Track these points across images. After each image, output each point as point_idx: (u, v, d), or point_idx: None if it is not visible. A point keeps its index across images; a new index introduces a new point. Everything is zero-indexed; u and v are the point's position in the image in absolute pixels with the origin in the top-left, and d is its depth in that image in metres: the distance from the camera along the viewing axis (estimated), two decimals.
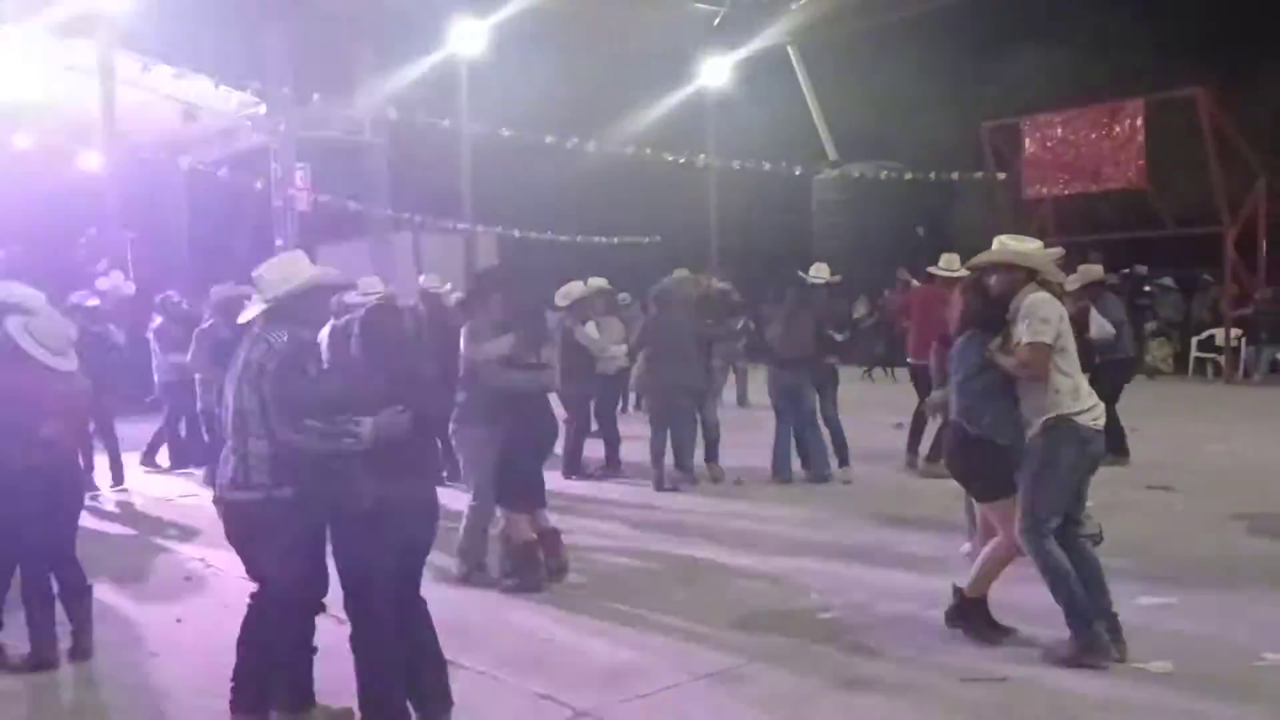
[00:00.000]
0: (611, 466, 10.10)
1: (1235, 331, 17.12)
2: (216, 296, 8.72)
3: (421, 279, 10.38)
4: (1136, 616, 5.27)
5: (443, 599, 5.67)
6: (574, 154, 21.09)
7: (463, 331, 6.38)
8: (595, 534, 7.46)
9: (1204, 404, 14.57)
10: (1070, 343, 4.80)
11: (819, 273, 9.70)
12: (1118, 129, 17.64)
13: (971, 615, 5.11)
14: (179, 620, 5.84)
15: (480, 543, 6.37)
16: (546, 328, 6.75)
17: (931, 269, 9.65)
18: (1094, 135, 17.98)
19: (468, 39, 19.47)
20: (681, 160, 22.15)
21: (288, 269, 4.32)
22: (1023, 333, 4.73)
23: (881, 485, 9.17)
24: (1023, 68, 25.36)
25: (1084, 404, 4.76)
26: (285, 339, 4.11)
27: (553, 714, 4.48)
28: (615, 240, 22.68)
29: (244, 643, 4.28)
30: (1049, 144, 18.60)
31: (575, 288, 9.46)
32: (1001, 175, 20.27)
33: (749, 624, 5.51)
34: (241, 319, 4.39)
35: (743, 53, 23.97)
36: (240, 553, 4.29)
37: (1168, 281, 19.74)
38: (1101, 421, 4.83)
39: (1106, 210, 20.75)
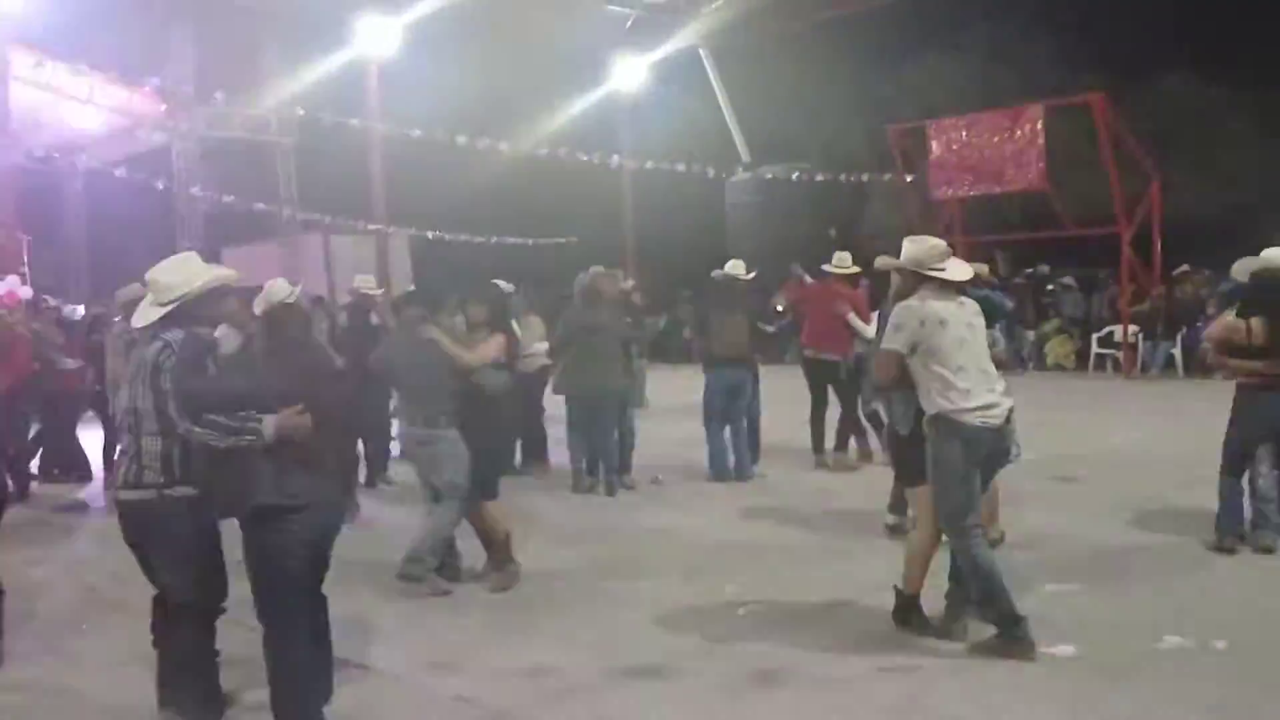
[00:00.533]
0: (538, 466, 10.03)
1: (1133, 328, 17.72)
2: (124, 297, 8.47)
3: (357, 280, 10.19)
4: (1042, 604, 5.42)
5: (358, 602, 5.61)
6: (488, 155, 20.95)
7: (435, 335, 6.10)
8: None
9: (1104, 398, 15.03)
10: (944, 342, 4.83)
11: (735, 269, 9.72)
12: (1019, 132, 18.10)
13: (905, 609, 5.20)
14: (85, 628, 5.67)
15: (442, 546, 6.19)
16: (513, 326, 6.62)
17: (825, 266, 9.88)
18: (996, 139, 18.43)
19: (377, 38, 19.16)
20: (595, 160, 22.12)
21: (183, 271, 4.24)
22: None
23: (797, 481, 9.26)
24: (928, 73, 25.93)
25: (967, 402, 4.79)
26: (182, 336, 4.11)
27: (469, 715, 4.43)
28: (531, 241, 22.61)
29: (155, 644, 4.33)
30: (954, 146, 19.00)
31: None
32: (909, 177, 20.68)
33: (667, 621, 5.52)
34: (137, 322, 4.28)
35: (656, 55, 24.07)
36: (136, 554, 4.24)
37: (1069, 280, 20.37)
38: (996, 419, 4.85)
39: (1010, 211, 21.32)
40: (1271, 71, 23.25)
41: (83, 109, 18.17)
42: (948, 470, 4.82)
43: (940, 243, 5.15)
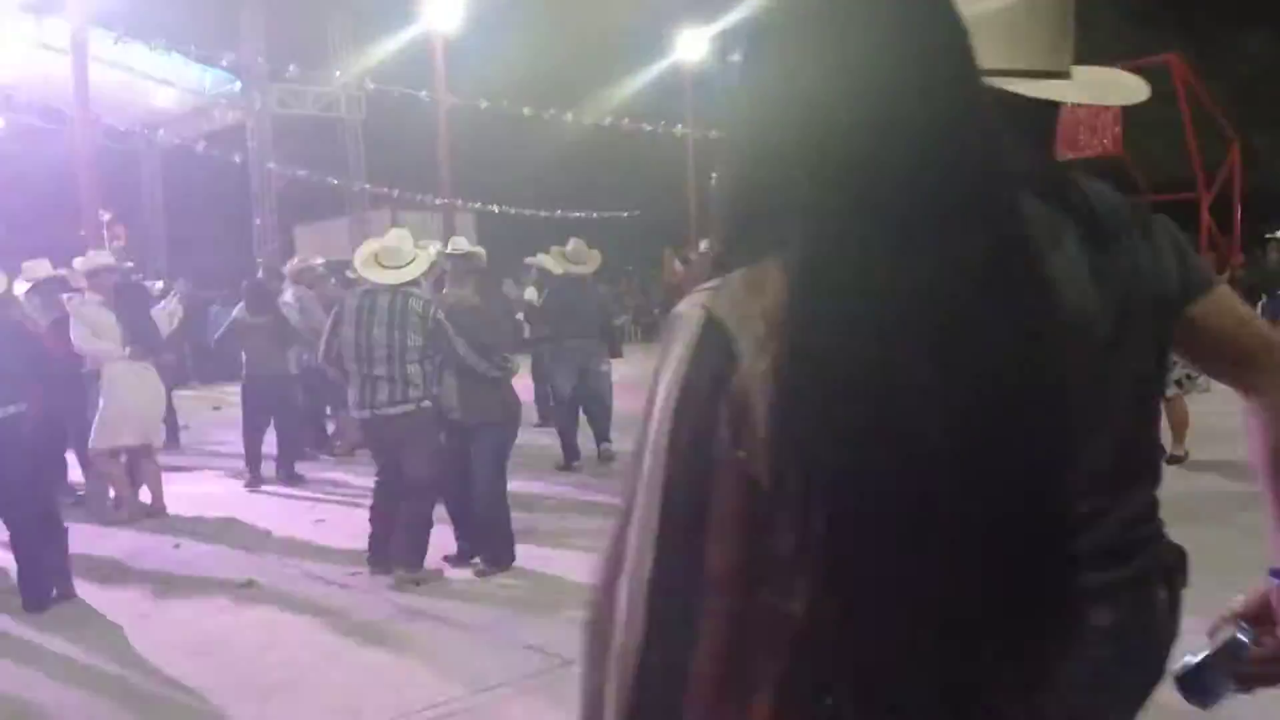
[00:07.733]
0: None
1: None
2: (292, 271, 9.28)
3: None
4: None
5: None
6: (551, 128, 20.99)
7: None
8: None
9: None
10: None
11: None
12: None
13: None
14: None
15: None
16: None
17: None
18: (1069, 103, 18.05)
19: (443, 11, 19.12)
20: (659, 130, 22.03)
21: (409, 244, 5.64)
22: None
23: None
24: None
25: None
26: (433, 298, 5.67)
27: None
28: (595, 215, 22.65)
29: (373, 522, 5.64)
30: None
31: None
32: None
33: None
34: (378, 279, 5.48)
35: (719, 25, 23.91)
36: (384, 458, 5.63)
37: None
38: None
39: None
40: None
41: (159, 87, 18.57)
42: None
43: None
